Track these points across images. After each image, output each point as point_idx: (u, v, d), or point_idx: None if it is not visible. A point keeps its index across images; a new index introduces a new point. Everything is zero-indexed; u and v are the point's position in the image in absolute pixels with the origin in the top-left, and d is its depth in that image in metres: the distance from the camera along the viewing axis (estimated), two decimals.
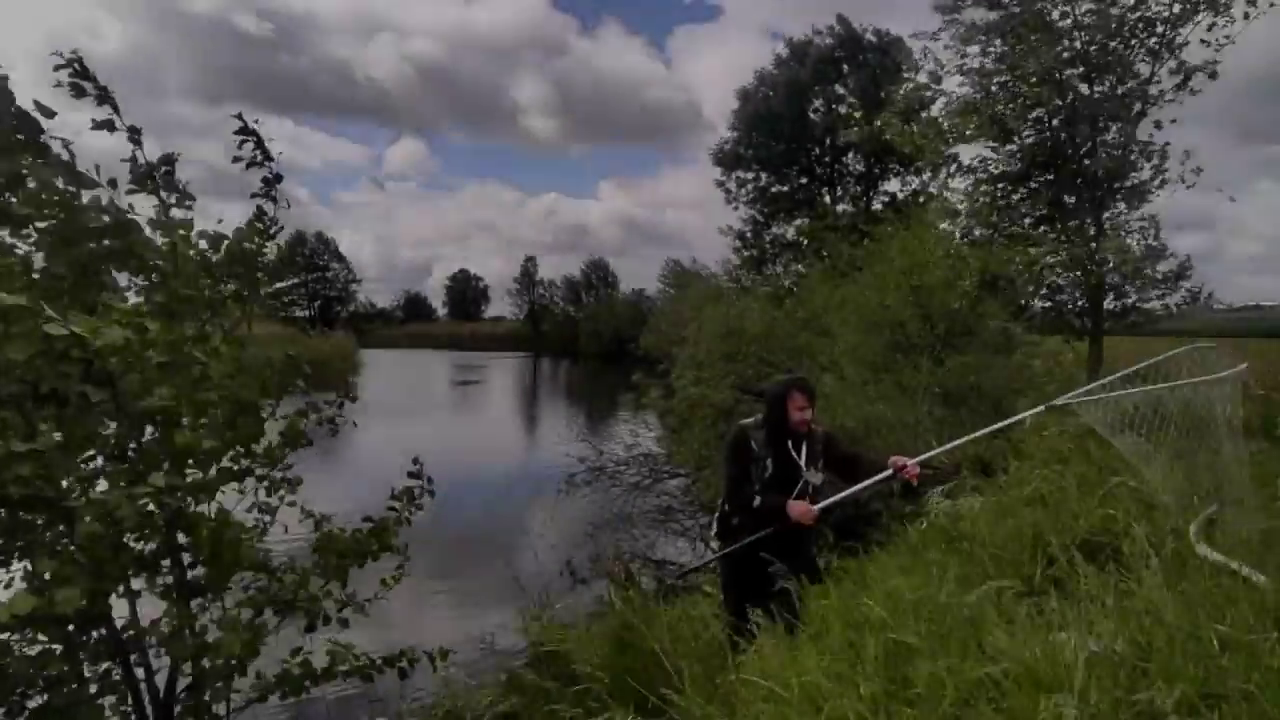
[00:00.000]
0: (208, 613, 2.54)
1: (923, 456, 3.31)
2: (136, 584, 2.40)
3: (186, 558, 2.47)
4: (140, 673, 2.45)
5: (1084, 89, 10.08)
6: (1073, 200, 10.47)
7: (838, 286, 10.52)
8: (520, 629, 3.82)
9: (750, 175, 26.93)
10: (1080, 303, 10.36)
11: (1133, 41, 9.62)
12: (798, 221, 25.41)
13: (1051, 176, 10.62)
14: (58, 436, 2.07)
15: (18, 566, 2.15)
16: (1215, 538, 2.40)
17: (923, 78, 11.56)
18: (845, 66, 25.87)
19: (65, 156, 2.30)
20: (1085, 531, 2.77)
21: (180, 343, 2.33)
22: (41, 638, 2.20)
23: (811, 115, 26.19)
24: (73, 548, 2.08)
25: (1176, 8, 9.31)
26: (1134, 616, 1.82)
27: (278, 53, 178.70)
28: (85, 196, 2.32)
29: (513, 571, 6.15)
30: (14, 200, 2.21)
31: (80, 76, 2.34)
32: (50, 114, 2.25)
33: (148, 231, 2.45)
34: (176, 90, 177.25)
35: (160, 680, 2.49)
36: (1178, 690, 1.49)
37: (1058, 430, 4.54)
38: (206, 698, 2.37)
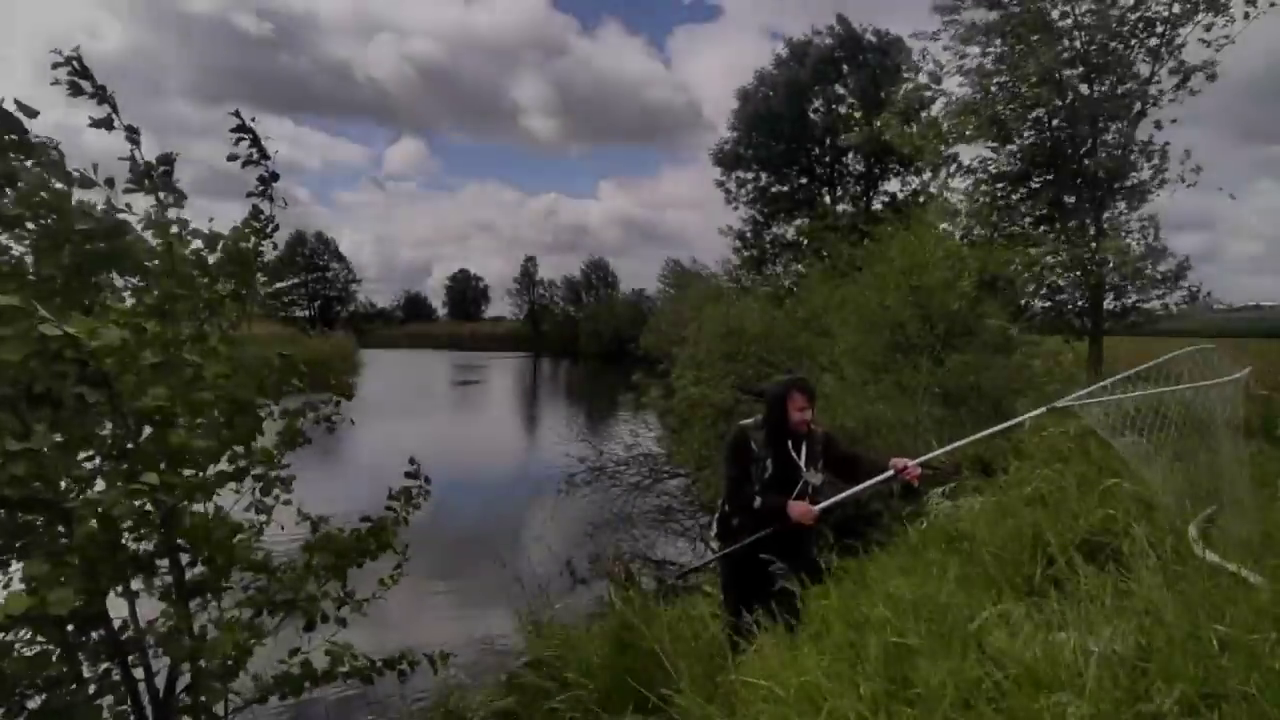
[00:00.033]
0: (206, 613, 2.54)
1: (924, 458, 3.30)
2: (135, 584, 2.39)
3: (184, 558, 2.46)
4: (140, 673, 2.45)
5: (1084, 89, 10.08)
6: (1072, 200, 10.47)
7: (838, 286, 10.52)
8: (520, 629, 3.81)
9: (750, 175, 26.93)
10: (1080, 303, 10.36)
11: (1133, 41, 9.62)
12: (798, 221, 25.41)
13: (1051, 176, 10.62)
14: (58, 438, 2.07)
15: (17, 567, 2.14)
16: (1214, 538, 2.40)
17: (923, 78, 11.57)
18: (845, 67, 25.86)
19: (54, 156, 2.29)
20: (1085, 531, 2.77)
21: (174, 343, 2.33)
22: (39, 638, 2.19)
23: (811, 115, 26.19)
24: (69, 548, 2.07)
25: (1176, 7, 9.31)
26: (1134, 617, 1.82)
27: (278, 53, 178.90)
28: (78, 196, 2.32)
29: (512, 572, 6.15)
30: (4, 200, 2.20)
31: (78, 75, 2.34)
32: (33, 113, 2.22)
33: (140, 231, 2.45)
34: (176, 90, 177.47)
35: (160, 680, 2.49)
36: (1177, 690, 1.49)
37: (1058, 430, 4.54)
38: (203, 699, 2.36)
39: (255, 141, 2.66)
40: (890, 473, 3.14)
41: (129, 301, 2.47)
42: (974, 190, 10.95)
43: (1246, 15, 8.98)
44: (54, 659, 2.22)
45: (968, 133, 10.60)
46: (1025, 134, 10.74)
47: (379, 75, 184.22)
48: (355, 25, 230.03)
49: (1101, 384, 3.23)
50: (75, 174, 2.35)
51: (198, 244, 2.60)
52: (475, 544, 8.70)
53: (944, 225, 10.12)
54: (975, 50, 10.55)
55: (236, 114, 2.62)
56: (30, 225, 2.24)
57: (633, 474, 9.55)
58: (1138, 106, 9.83)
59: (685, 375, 11.03)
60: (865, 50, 25.65)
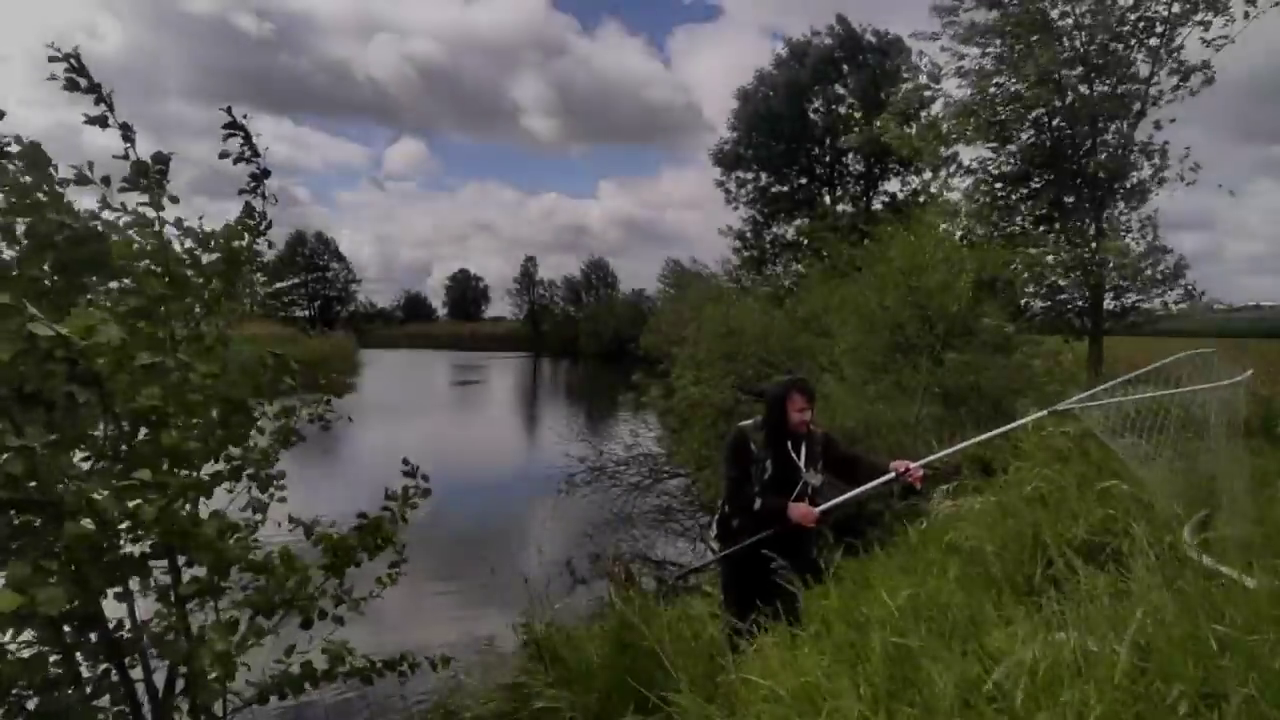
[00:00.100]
0: (203, 613, 2.54)
1: (925, 460, 3.30)
2: (132, 585, 2.39)
3: (181, 559, 2.46)
4: (138, 673, 2.45)
5: (1084, 89, 10.09)
6: (1072, 200, 10.48)
7: (837, 287, 10.53)
8: (520, 629, 3.81)
9: (750, 175, 26.97)
10: (1080, 303, 10.37)
11: (1132, 41, 9.63)
12: (798, 221, 25.44)
13: (1051, 176, 10.63)
14: (52, 438, 2.06)
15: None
16: (1211, 539, 2.40)
17: (922, 78, 11.59)
18: (845, 67, 25.89)
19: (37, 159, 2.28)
20: (1085, 531, 2.77)
21: (161, 344, 2.33)
22: (29, 637, 2.19)
23: (811, 115, 26.22)
24: (59, 549, 2.07)
25: (1176, 7, 9.31)
26: (1133, 617, 1.82)
27: (277, 53, 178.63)
28: (68, 196, 2.32)
29: (513, 572, 6.15)
30: None
31: (75, 72, 2.34)
32: None
33: (129, 232, 2.44)
34: (176, 90, 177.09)
35: (159, 679, 2.49)
36: (1177, 690, 1.49)
37: (1058, 430, 4.54)
38: (198, 700, 2.36)
39: (246, 138, 2.67)
40: (891, 475, 3.14)
41: (110, 304, 2.44)
42: (974, 190, 10.96)
43: (1246, 15, 9.00)
44: (51, 660, 2.22)
45: (968, 133, 10.61)
46: (1025, 134, 10.75)
47: (379, 75, 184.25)
48: (355, 25, 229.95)
49: (1103, 387, 3.24)
50: (73, 171, 2.36)
51: (190, 243, 2.60)
52: (475, 544, 8.70)
53: (943, 225, 10.13)
54: (975, 51, 10.57)
55: (228, 110, 2.63)
56: (19, 228, 2.24)
57: (633, 474, 9.55)
58: (1137, 106, 9.84)
59: (685, 375, 11.04)
60: (865, 50, 25.68)
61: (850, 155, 25.24)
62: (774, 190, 26.67)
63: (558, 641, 3.58)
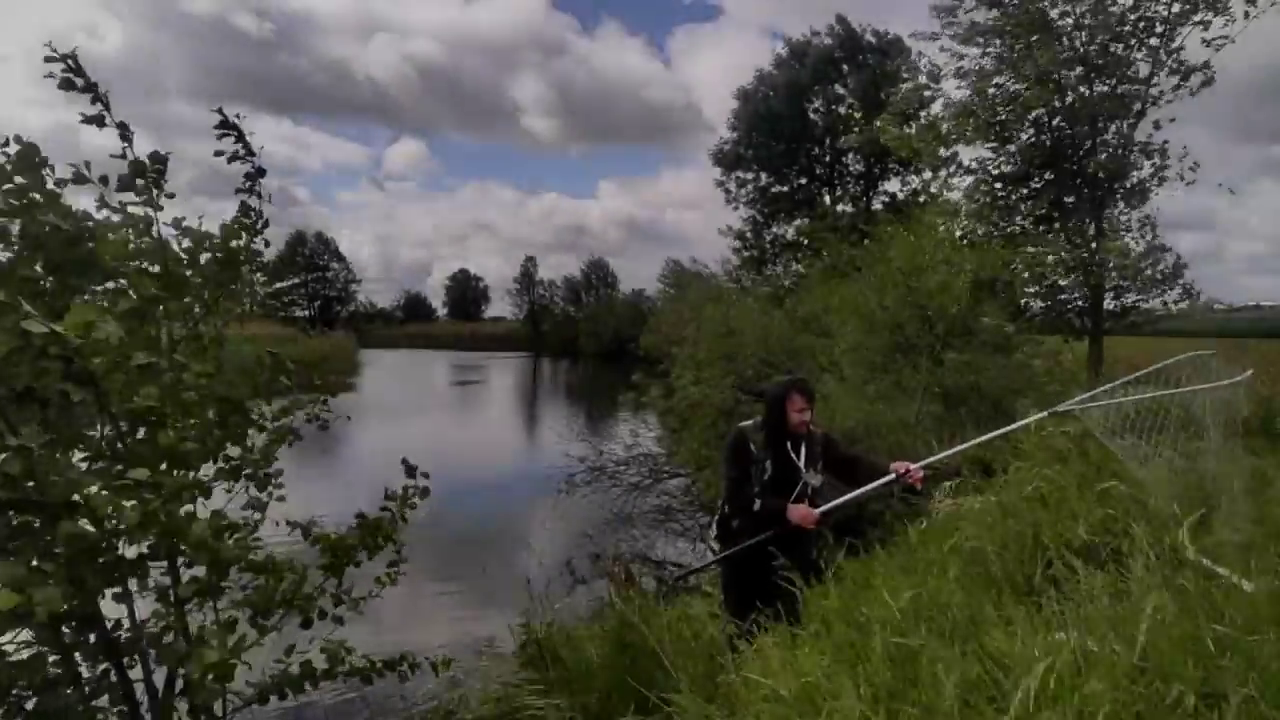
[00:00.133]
0: (201, 614, 2.54)
1: (925, 461, 3.30)
2: (131, 585, 2.39)
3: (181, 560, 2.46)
4: (138, 673, 2.44)
5: (1083, 89, 10.09)
6: (1072, 200, 10.48)
7: (837, 287, 10.53)
8: (520, 629, 3.81)
9: (750, 175, 26.99)
10: (1080, 303, 10.37)
11: (1132, 41, 9.63)
12: (798, 222, 25.44)
13: (1051, 176, 10.63)
14: (50, 438, 2.06)
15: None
16: (1209, 539, 2.40)
17: (921, 79, 11.60)
18: (845, 67, 25.89)
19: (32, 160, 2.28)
20: (1085, 531, 2.77)
21: (155, 344, 2.33)
22: (28, 637, 2.19)
23: (811, 115, 26.22)
24: (57, 550, 2.07)
25: (1176, 7, 9.31)
26: (1133, 617, 1.82)
27: (277, 53, 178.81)
28: (64, 195, 2.32)
29: (513, 572, 6.16)
30: None
31: (72, 72, 2.35)
32: None
33: (122, 231, 2.44)
34: (176, 90, 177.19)
35: (159, 679, 2.49)
36: (1176, 690, 1.49)
37: (1058, 430, 4.54)
38: (197, 701, 2.35)
39: (240, 137, 2.67)
40: (891, 476, 3.14)
41: (105, 305, 2.44)
42: (974, 190, 10.97)
43: (1246, 15, 9.00)
44: (49, 661, 2.22)
45: (967, 133, 10.61)
46: (1025, 134, 10.76)
47: (378, 75, 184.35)
48: (354, 25, 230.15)
49: (1104, 389, 3.24)
50: (70, 171, 2.36)
51: (188, 243, 2.60)
52: (475, 544, 8.70)
53: (942, 224, 10.14)
54: (975, 52, 10.57)
55: (219, 111, 2.63)
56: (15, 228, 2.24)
57: (633, 474, 9.55)
58: (1138, 106, 9.85)
59: (685, 375, 11.04)
60: (865, 51, 25.68)
61: (850, 155, 25.26)
62: (774, 190, 26.68)
63: (558, 641, 3.58)
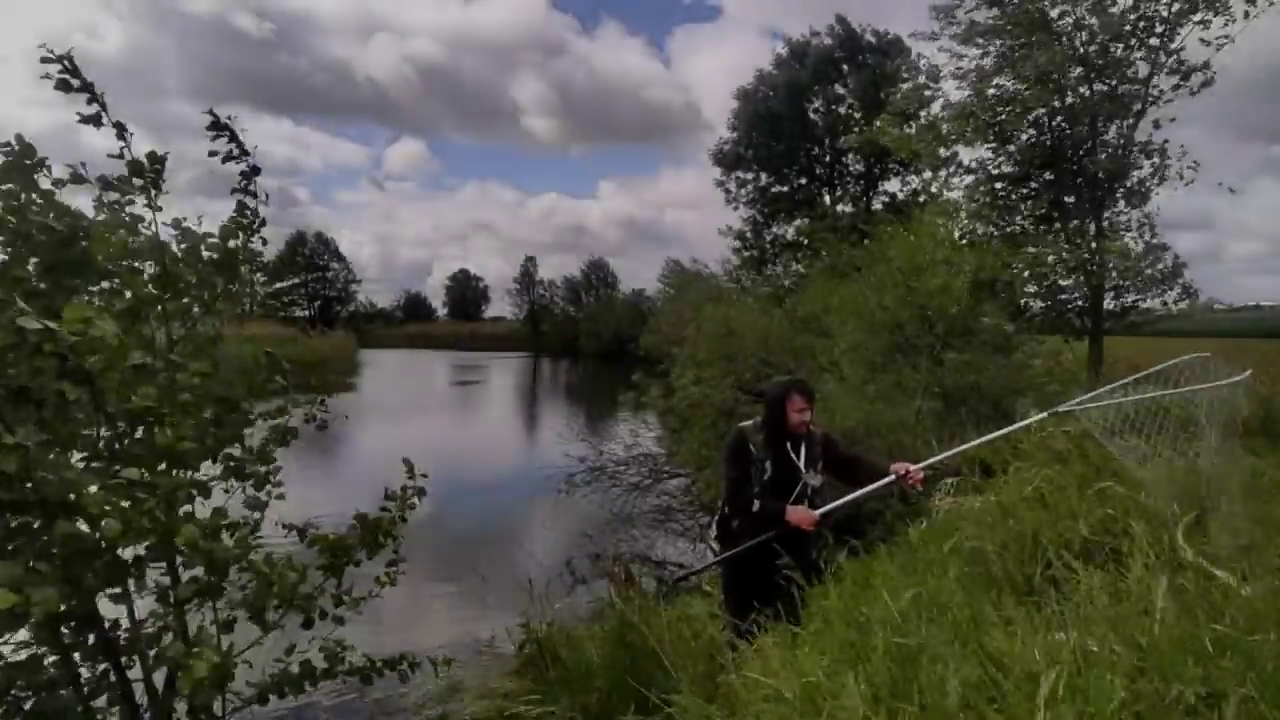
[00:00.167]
0: (200, 614, 2.54)
1: (926, 462, 3.30)
2: (130, 585, 2.39)
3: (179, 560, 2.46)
4: (136, 673, 2.44)
5: (1084, 90, 10.09)
6: (1072, 200, 10.48)
7: (837, 287, 10.53)
8: (520, 629, 3.81)
9: (750, 175, 26.95)
10: (1080, 303, 10.37)
11: (1132, 41, 9.63)
12: (798, 222, 25.42)
13: (1051, 176, 10.63)
14: (44, 437, 2.06)
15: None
16: (1208, 540, 2.40)
17: (921, 79, 11.60)
18: (845, 67, 25.88)
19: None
20: (1085, 531, 2.77)
21: (150, 343, 2.33)
22: (26, 638, 2.19)
23: (811, 115, 26.20)
24: (54, 550, 2.07)
25: (1176, 7, 9.31)
26: (1133, 617, 1.82)
27: (277, 53, 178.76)
28: (60, 196, 2.32)
29: (513, 572, 6.15)
30: None
31: (69, 73, 2.35)
32: None
33: (119, 231, 2.44)
34: (176, 90, 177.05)
35: (159, 679, 2.49)
36: (1176, 690, 1.49)
37: (1058, 430, 4.54)
38: (196, 701, 2.35)
39: (233, 137, 2.67)
40: (891, 478, 3.13)
41: (101, 305, 2.44)
42: (974, 190, 10.97)
43: (1246, 15, 9.00)
44: (47, 662, 2.22)
45: (966, 134, 10.61)
46: (1025, 135, 10.75)
47: (378, 75, 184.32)
48: (354, 25, 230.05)
49: (1105, 389, 3.24)
50: (68, 171, 2.36)
51: (185, 244, 2.60)
52: (475, 544, 8.70)
53: (942, 224, 10.14)
54: (975, 52, 10.57)
55: (211, 112, 2.64)
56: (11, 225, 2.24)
57: (633, 474, 9.55)
58: (1138, 106, 9.85)
59: (685, 375, 11.05)
60: (865, 51, 25.66)
61: (850, 155, 25.22)
62: (774, 190, 26.65)
63: (558, 642, 3.58)
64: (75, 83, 2.36)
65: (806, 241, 21.13)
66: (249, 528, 2.64)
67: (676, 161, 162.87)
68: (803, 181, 26.55)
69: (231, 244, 2.65)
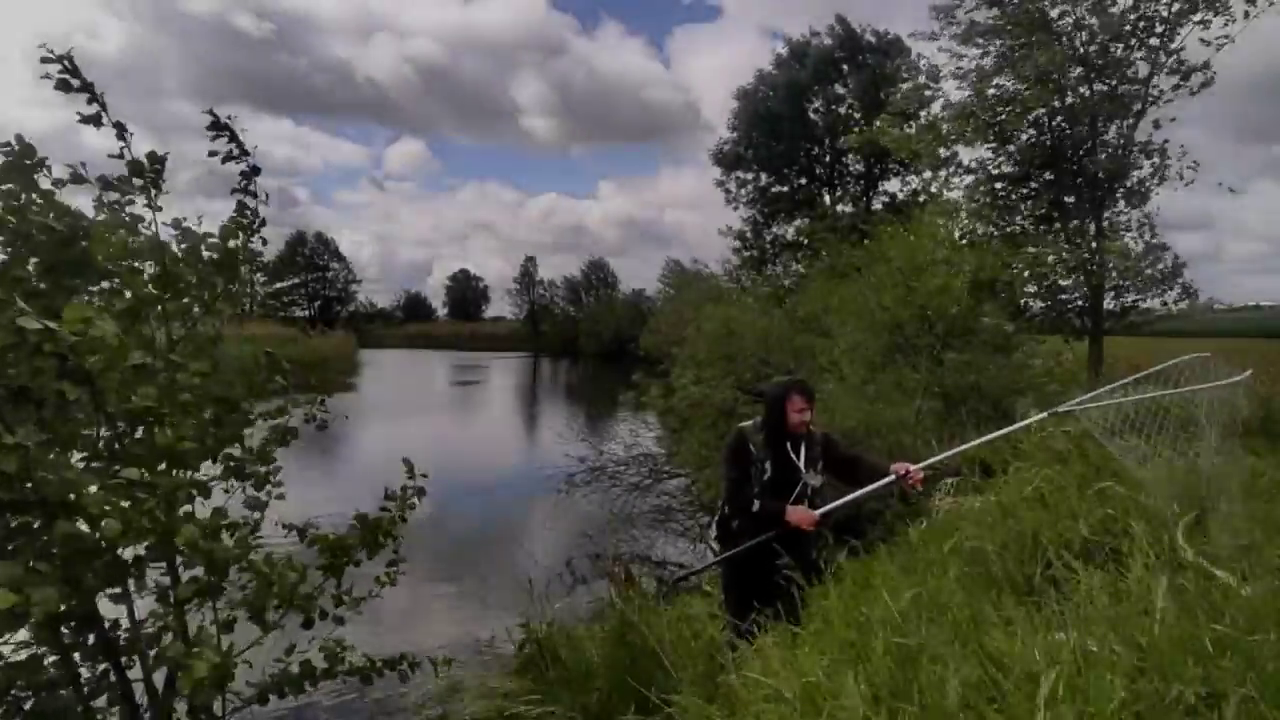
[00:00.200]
0: (200, 614, 2.54)
1: (926, 463, 3.30)
2: (130, 585, 2.39)
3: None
4: (136, 672, 2.44)
5: (1084, 90, 10.09)
6: (1072, 200, 10.48)
7: (837, 287, 10.54)
8: (520, 628, 3.81)
9: (750, 175, 26.93)
10: (1080, 303, 10.37)
11: (1132, 41, 9.63)
12: (798, 222, 25.41)
13: (1051, 177, 10.63)
14: (44, 437, 2.06)
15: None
16: (1208, 540, 2.40)
17: (921, 79, 11.60)
18: (845, 67, 25.87)
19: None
20: (1085, 531, 2.77)
21: (150, 343, 2.33)
22: (26, 637, 2.18)
23: (811, 115, 26.18)
24: (55, 550, 2.07)
25: (1176, 7, 9.31)
26: (1133, 617, 1.82)
27: (277, 53, 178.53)
28: (59, 195, 2.32)
29: (513, 572, 6.16)
30: None
31: (68, 73, 2.35)
32: None
33: (119, 231, 2.44)
34: (177, 90, 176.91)
35: (159, 679, 2.49)
36: (1175, 690, 1.49)
37: (1058, 430, 4.54)
38: (196, 701, 2.35)
39: (233, 137, 2.68)
40: (892, 478, 3.13)
41: (101, 305, 2.44)
42: (974, 190, 10.97)
43: (1246, 15, 9.00)
44: (49, 661, 2.22)
45: (966, 134, 10.61)
46: (1025, 135, 10.75)
47: (378, 75, 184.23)
48: (354, 25, 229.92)
49: (1106, 389, 3.24)
50: (68, 171, 2.36)
51: (185, 244, 2.60)
52: (475, 544, 8.71)
53: (943, 223, 10.14)
54: (975, 52, 10.57)
55: (210, 112, 2.64)
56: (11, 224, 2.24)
57: (633, 474, 9.56)
58: (1138, 106, 9.85)
59: (685, 375, 11.05)
60: (865, 51, 25.65)
61: (850, 155, 25.19)
62: (774, 190, 26.63)
63: (558, 641, 3.58)
64: (75, 83, 2.36)
65: (806, 241, 21.11)
66: (249, 528, 2.64)
67: (676, 161, 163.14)
68: (803, 181, 26.53)
69: (231, 244, 2.65)
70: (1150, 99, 9.77)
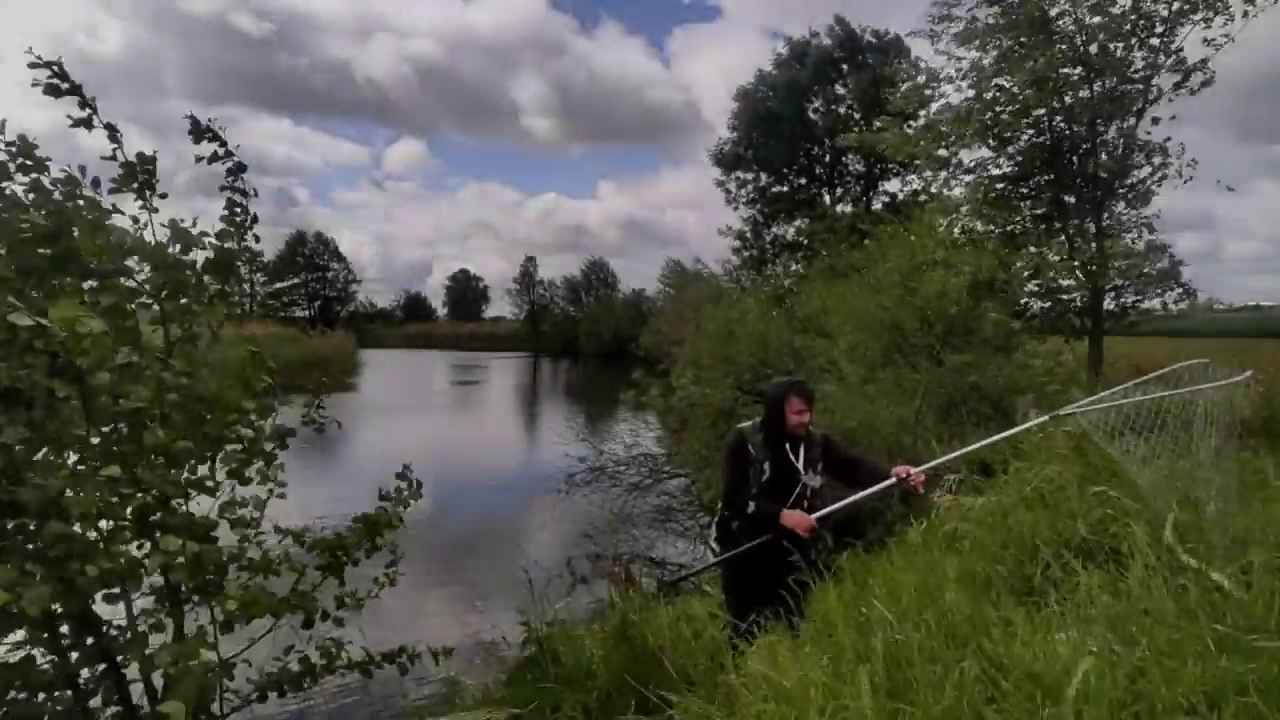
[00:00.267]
0: (197, 615, 2.53)
1: (926, 465, 3.29)
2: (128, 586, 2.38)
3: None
4: (136, 672, 2.44)
5: (1084, 90, 10.09)
6: (1073, 200, 10.48)
7: (837, 287, 10.53)
8: (520, 628, 3.81)
9: (750, 175, 26.92)
10: (1080, 303, 10.37)
11: (1132, 41, 9.63)
12: (798, 222, 25.41)
13: (1051, 177, 10.63)
14: (30, 436, 2.05)
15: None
16: (1202, 539, 2.40)
17: (920, 79, 11.59)
18: (845, 67, 25.87)
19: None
20: (1084, 531, 2.77)
21: (136, 339, 2.33)
22: (22, 638, 2.18)
23: (811, 115, 26.18)
24: (50, 553, 2.06)
25: (1175, 6, 9.31)
26: (1132, 617, 1.82)
27: (277, 53, 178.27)
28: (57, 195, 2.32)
29: (513, 571, 6.14)
30: None
31: (58, 78, 2.35)
32: None
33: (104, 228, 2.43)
34: (176, 90, 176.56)
35: (158, 680, 2.48)
36: (1176, 690, 1.49)
37: (1058, 431, 4.53)
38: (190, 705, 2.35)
39: (215, 137, 2.68)
40: (892, 480, 3.12)
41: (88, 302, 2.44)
42: (974, 190, 10.97)
43: (1246, 14, 9.00)
44: (45, 662, 2.21)
45: (966, 135, 10.61)
46: (1024, 135, 10.75)
47: (378, 75, 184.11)
48: (354, 25, 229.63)
49: (1107, 392, 3.24)
50: (63, 173, 2.36)
51: (177, 247, 2.59)
52: (476, 544, 8.71)
53: (943, 222, 10.13)
54: (974, 54, 10.56)
55: (190, 117, 2.65)
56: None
57: (633, 474, 9.56)
58: (1138, 106, 9.85)
59: (685, 375, 11.04)
60: (865, 51, 25.65)
61: (850, 155, 25.17)
62: (774, 190, 26.62)
63: (558, 641, 3.58)
64: (64, 87, 2.36)
65: (806, 242, 21.11)
66: (249, 528, 2.63)
67: (676, 161, 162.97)
68: (803, 181, 26.53)
69: (227, 245, 2.65)
70: (1150, 99, 9.78)
